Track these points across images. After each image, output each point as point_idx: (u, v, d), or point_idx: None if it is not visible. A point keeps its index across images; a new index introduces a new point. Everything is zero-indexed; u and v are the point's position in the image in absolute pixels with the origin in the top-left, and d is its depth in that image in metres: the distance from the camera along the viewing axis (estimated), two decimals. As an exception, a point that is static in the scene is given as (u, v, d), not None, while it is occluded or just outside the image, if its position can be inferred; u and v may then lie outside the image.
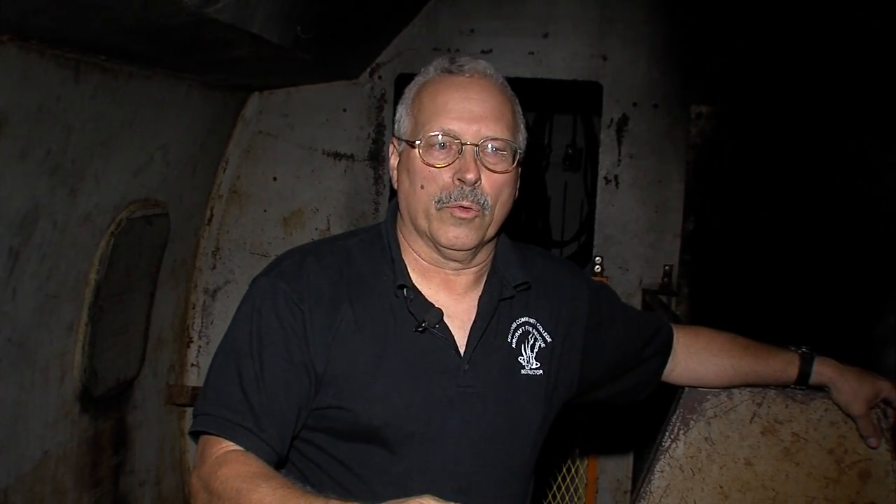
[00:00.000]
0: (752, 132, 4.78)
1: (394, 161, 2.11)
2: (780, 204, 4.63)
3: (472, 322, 2.08)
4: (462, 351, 2.03)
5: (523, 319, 2.18)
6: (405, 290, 2.01)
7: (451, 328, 2.03)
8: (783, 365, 2.50)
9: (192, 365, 4.52)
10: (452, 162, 1.95)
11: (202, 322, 4.59)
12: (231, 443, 1.85)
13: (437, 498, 1.48)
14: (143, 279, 3.88)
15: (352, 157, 4.66)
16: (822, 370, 2.49)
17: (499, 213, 2.03)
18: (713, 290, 4.69)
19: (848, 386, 2.49)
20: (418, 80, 2.09)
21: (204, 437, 1.89)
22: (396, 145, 2.09)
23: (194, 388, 4.39)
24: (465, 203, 1.95)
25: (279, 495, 1.71)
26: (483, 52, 4.51)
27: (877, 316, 4.47)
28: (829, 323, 4.08)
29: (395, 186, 2.11)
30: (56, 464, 3.41)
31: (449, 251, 2.00)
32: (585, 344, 2.27)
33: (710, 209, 4.72)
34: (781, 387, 2.58)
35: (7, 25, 2.43)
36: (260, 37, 2.94)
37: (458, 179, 1.95)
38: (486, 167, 1.96)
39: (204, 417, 1.89)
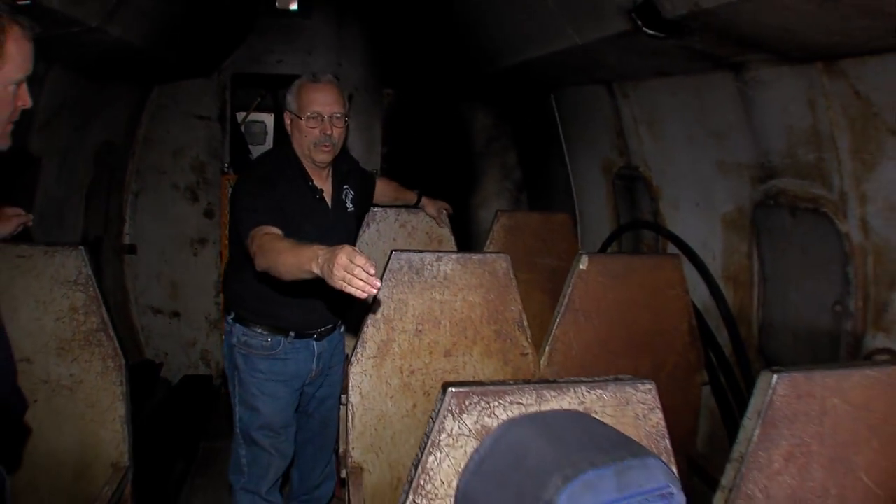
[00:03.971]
0: (413, 101, 6.45)
1: (288, 121, 3.11)
2: (427, 137, 6.44)
3: (331, 191, 3.22)
4: (329, 204, 3.19)
5: (346, 186, 3.32)
6: (308, 182, 3.11)
7: (324, 195, 3.17)
8: (411, 196, 4.06)
9: (126, 234, 5.86)
10: (320, 126, 3.01)
11: (130, 210, 5.86)
12: (267, 227, 2.68)
13: (353, 248, 2.14)
14: (105, 183, 5.31)
15: (209, 118, 5.99)
16: (423, 200, 4.08)
17: (339, 145, 3.11)
18: (400, 174, 5.33)
19: (432, 204, 4.08)
20: (297, 83, 3.10)
21: (252, 232, 2.70)
22: (290, 115, 3.09)
23: (129, 245, 5.84)
24: (326, 144, 3.04)
25: (291, 242, 2.52)
26: (278, 61, 6.04)
27: (470, 193, 6.47)
28: (450, 196, 4.99)
29: (290, 134, 3.13)
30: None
31: (319, 164, 3.11)
32: (362, 195, 3.52)
33: (393, 140, 6.41)
34: (409, 206, 4.12)
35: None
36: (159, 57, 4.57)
37: (323, 133, 3.01)
38: (335, 126, 3.03)
39: (251, 229, 2.71)
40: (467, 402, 1.66)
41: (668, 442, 1.83)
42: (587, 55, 3.66)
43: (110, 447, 3.11)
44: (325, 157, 3.09)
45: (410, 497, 1.67)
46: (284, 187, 3.03)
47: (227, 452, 3.46)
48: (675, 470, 1.72)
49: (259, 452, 3.31)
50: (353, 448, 3.17)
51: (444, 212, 4.12)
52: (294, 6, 5.98)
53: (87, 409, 3.08)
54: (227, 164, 6.05)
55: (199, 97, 5.95)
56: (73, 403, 3.06)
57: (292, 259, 2.40)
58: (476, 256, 3.19)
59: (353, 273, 2.06)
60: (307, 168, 3.14)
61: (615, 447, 1.18)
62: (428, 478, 1.66)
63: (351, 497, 3.06)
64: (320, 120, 3.02)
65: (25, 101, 1.88)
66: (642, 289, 3.37)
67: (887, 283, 2.64)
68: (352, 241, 3.43)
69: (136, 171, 5.91)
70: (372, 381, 3.13)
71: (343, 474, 3.29)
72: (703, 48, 2.87)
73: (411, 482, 1.68)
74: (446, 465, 1.65)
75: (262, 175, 3.02)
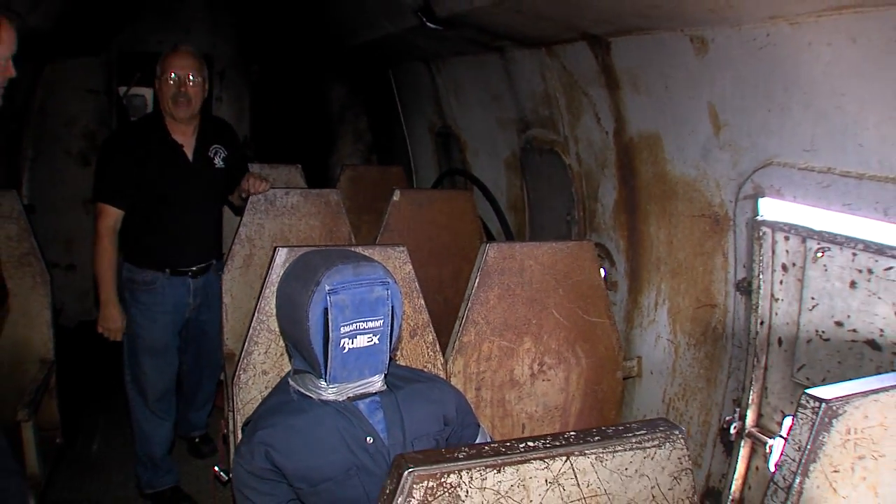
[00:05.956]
0: (278, 76, 7.30)
1: (156, 86, 3.60)
2: (290, 107, 7.25)
3: (193, 146, 3.70)
4: (191, 158, 3.68)
5: (216, 146, 3.80)
6: (168, 137, 3.62)
7: (185, 149, 3.66)
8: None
9: (24, 195, 6.22)
10: (176, 84, 3.52)
11: (28, 174, 6.37)
12: (107, 210, 3.53)
13: None
14: (4, 150, 5.92)
15: (98, 91, 6.60)
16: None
17: (196, 103, 3.60)
18: (266, 140, 7.06)
19: (247, 177, 3.91)
20: (163, 55, 3.59)
21: (99, 206, 3.57)
22: (156, 80, 3.58)
23: (27, 205, 6.00)
24: (181, 99, 3.53)
25: (110, 273, 3.60)
26: (159, 41, 6.42)
27: (328, 154, 7.40)
28: (311, 156, 6.27)
29: (158, 95, 3.59)
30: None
31: (179, 119, 3.57)
32: (235, 156, 3.93)
33: (260, 111, 7.24)
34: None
35: None
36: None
37: (178, 90, 3.52)
38: (188, 84, 3.52)
39: (97, 199, 3.57)
40: (289, 258, 2.73)
41: (417, 284, 2.95)
42: (403, 40, 4.75)
43: (39, 345, 3.92)
44: (182, 111, 3.58)
45: (256, 315, 2.74)
46: (138, 144, 3.58)
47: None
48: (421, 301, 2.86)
49: (139, 373, 3.92)
50: (227, 339, 4.12)
51: (252, 181, 3.94)
52: (172, -8, 6.68)
53: (20, 316, 3.88)
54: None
55: (88, 73, 6.56)
56: (9, 312, 3.81)
57: (103, 280, 3.60)
58: (314, 191, 4.21)
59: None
60: (168, 124, 3.66)
61: (358, 258, 2.20)
62: (262, 306, 2.73)
63: (227, 378, 3.98)
64: (177, 79, 3.54)
65: (12, 72, 2.63)
66: (442, 215, 4.49)
67: (593, 198, 3.85)
68: (215, 189, 3.96)
69: (33, 140, 6.45)
70: (239, 285, 4.08)
71: (221, 377, 4.07)
72: (472, 37, 4.01)
73: (254, 312, 2.75)
74: (273, 299, 2.69)
75: (116, 140, 3.67)
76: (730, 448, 3.10)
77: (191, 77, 3.58)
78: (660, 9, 2.65)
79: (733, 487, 2.99)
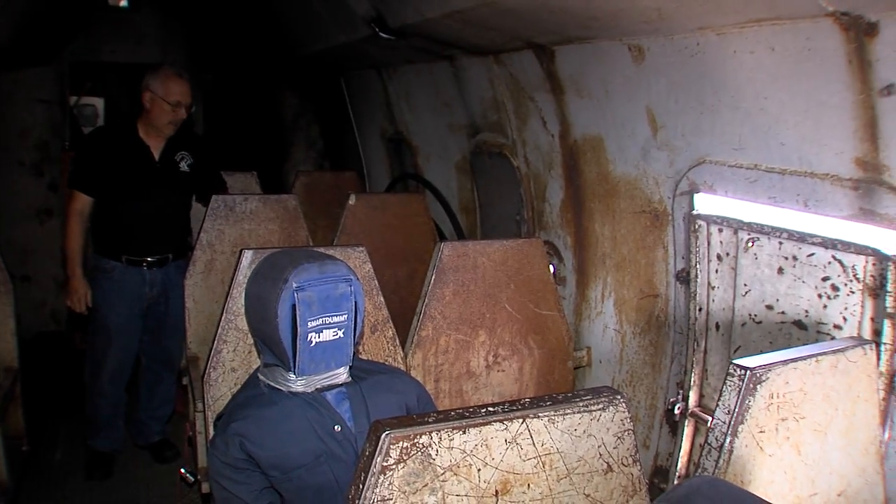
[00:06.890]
0: (230, 84, 7.37)
1: (148, 97, 3.94)
2: (243, 115, 7.35)
3: (161, 149, 4.08)
4: (157, 157, 4.06)
5: (184, 152, 4.20)
6: (137, 138, 4.00)
7: (153, 150, 4.04)
8: None
9: None
10: (177, 109, 3.95)
11: None
12: (79, 196, 3.97)
13: None
14: None
15: (51, 101, 6.56)
16: None
17: (180, 122, 4.02)
18: (220, 147, 6.50)
19: None
20: (162, 71, 3.98)
21: (71, 191, 3.99)
22: (152, 95, 3.93)
23: None
24: (176, 122, 4.00)
25: (78, 248, 4.00)
26: (111, 52, 6.71)
27: (282, 161, 7.51)
28: (265, 163, 6.44)
29: (147, 108, 3.95)
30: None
31: (165, 135, 4.03)
32: (202, 163, 4.29)
33: (213, 119, 7.29)
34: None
35: None
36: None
37: (177, 115, 3.96)
38: (182, 111, 3.99)
39: (70, 184, 4.01)
40: (254, 260, 2.85)
41: (376, 282, 3.10)
42: (356, 49, 4.89)
43: (3, 353, 3.96)
44: (171, 130, 4.06)
45: (224, 315, 2.86)
46: (110, 141, 4.03)
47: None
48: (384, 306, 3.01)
49: (95, 350, 4.28)
50: (190, 342, 4.21)
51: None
52: (124, 3, 6.77)
53: (-17, 325, 3.89)
54: (67, 143, 6.69)
55: (40, 83, 6.53)
56: (-26, 321, 3.86)
57: (70, 256, 4.00)
58: (273, 197, 4.32)
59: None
60: (141, 130, 4.06)
61: (323, 257, 2.34)
62: (230, 306, 2.85)
63: (192, 380, 4.07)
64: (179, 106, 3.99)
65: None
66: (396, 218, 4.63)
67: (541, 198, 4.03)
68: (177, 190, 4.26)
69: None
70: (201, 289, 4.17)
71: (185, 381, 4.13)
72: (423, 46, 4.17)
73: (222, 312, 2.87)
74: (241, 300, 2.82)
75: (89, 140, 4.14)
76: (675, 428, 3.30)
77: (188, 105, 4.05)
78: (599, 20, 2.84)
79: (679, 465, 3.18)
